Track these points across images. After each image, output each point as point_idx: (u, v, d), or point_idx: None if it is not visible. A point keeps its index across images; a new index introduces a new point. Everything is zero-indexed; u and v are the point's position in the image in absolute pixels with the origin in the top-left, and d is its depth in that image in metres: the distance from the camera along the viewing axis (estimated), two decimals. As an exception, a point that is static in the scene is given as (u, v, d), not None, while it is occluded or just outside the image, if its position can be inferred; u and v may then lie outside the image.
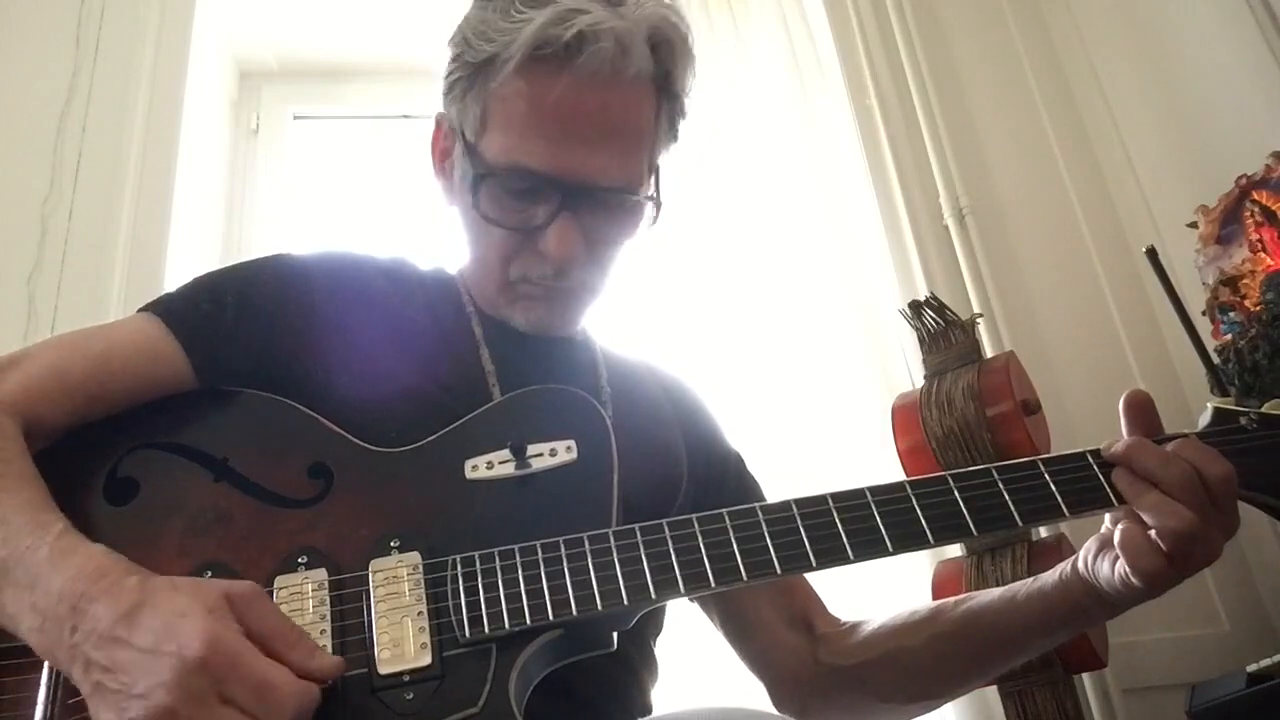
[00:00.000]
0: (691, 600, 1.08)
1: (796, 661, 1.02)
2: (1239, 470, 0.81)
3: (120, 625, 0.66)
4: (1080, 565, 0.86)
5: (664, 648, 1.05)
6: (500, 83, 0.94)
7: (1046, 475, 0.83)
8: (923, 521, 0.80)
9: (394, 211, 2.48)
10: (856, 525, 0.80)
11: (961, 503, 0.81)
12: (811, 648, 1.02)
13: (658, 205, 1.01)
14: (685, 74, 1.00)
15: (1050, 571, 0.90)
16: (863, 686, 0.99)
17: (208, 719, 0.63)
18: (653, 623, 1.03)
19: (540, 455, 0.83)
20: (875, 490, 0.82)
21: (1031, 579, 0.92)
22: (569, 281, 0.99)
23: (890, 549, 0.79)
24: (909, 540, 0.80)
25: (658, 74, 0.97)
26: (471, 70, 0.96)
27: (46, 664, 0.72)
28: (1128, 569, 0.80)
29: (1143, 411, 0.87)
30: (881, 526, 0.80)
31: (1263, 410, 0.87)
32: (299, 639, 0.69)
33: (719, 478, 1.09)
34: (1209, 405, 0.89)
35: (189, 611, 0.66)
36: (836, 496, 0.81)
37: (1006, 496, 0.82)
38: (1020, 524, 0.82)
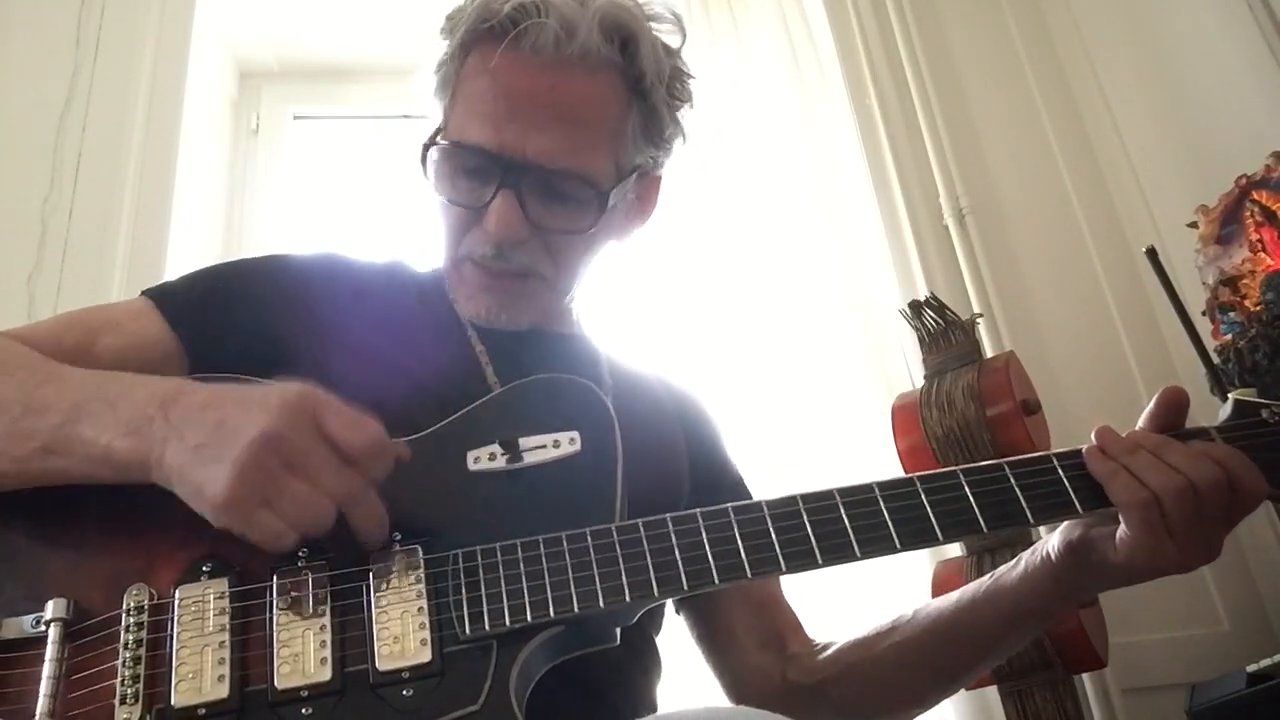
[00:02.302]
0: (677, 612, 1.08)
1: (763, 681, 1.01)
2: (1261, 465, 0.79)
3: (212, 401, 0.74)
4: (1058, 553, 0.85)
5: (667, 647, 1.04)
6: (462, 62, 0.98)
7: (1060, 471, 0.81)
8: (932, 518, 0.78)
9: (393, 212, 2.48)
10: (863, 521, 0.78)
11: (972, 499, 0.79)
12: (781, 668, 1.01)
13: (603, 202, 0.97)
14: (658, 77, 0.99)
15: (1010, 564, 0.90)
16: (826, 702, 0.98)
17: (307, 440, 0.71)
18: (653, 618, 1.03)
19: (543, 447, 0.82)
20: (883, 485, 0.80)
21: (990, 576, 0.91)
22: (509, 264, 0.98)
23: (898, 545, 0.78)
24: (918, 537, 0.78)
25: (627, 70, 0.98)
26: (446, 55, 1.00)
27: (49, 656, 0.71)
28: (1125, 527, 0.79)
29: (1173, 411, 0.85)
30: (890, 523, 0.78)
31: None
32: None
33: (716, 490, 1.07)
34: (1230, 396, 0.87)
35: (277, 386, 0.75)
36: (843, 492, 0.80)
37: (1019, 493, 0.80)
38: (1032, 521, 0.80)
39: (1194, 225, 1.95)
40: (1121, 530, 0.80)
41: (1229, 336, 1.79)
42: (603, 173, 0.98)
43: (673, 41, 1.02)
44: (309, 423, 0.72)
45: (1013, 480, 0.81)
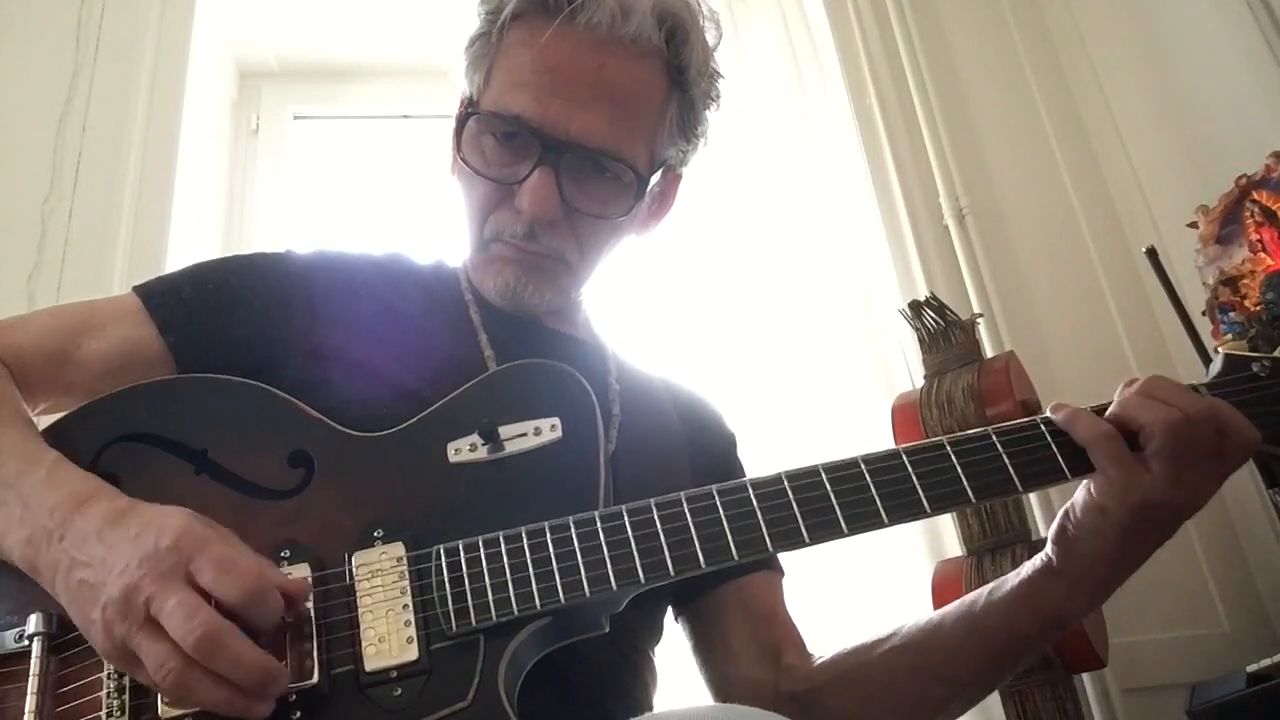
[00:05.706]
0: (675, 619, 1.07)
1: (754, 694, 0.98)
2: (1254, 420, 0.79)
3: (106, 527, 0.71)
4: (1050, 542, 0.84)
5: (666, 656, 1.03)
6: (505, 37, 0.95)
7: (1048, 436, 0.80)
8: (919, 490, 0.77)
9: (394, 211, 2.48)
10: (850, 497, 0.77)
11: (959, 469, 0.78)
12: (774, 681, 0.98)
13: (641, 188, 0.97)
14: (700, 71, 0.99)
15: (1014, 572, 0.88)
16: (822, 712, 0.94)
17: (171, 592, 0.66)
18: (652, 630, 1.02)
19: (523, 435, 0.80)
20: (869, 459, 0.79)
21: (991, 584, 0.88)
22: (538, 245, 0.97)
23: (885, 520, 0.76)
24: (904, 511, 0.77)
25: (670, 60, 0.97)
26: (484, 29, 0.97)
27: (33, 671, 0.72)
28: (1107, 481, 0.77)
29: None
30: (876, 497, 0.77)
31: (1275, 355, 0.84)
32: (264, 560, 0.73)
33: None
34: (1220, 350, 0.86)
35: (168, 513, 0.72)
36: (829, 467, 0.79)
37: (1006, 460, 0.79)
38: (1021, 489, 0.78)
39: (1194, 225, 1.95)
40: (1097, 477, 0.79)
41: (1229, 336, 1.79)
42: (640, 160, 0.98)
43: (711, 39, 1.01)
44: (177, 570, 0.67)
45: (1000, 448, 0.79)
